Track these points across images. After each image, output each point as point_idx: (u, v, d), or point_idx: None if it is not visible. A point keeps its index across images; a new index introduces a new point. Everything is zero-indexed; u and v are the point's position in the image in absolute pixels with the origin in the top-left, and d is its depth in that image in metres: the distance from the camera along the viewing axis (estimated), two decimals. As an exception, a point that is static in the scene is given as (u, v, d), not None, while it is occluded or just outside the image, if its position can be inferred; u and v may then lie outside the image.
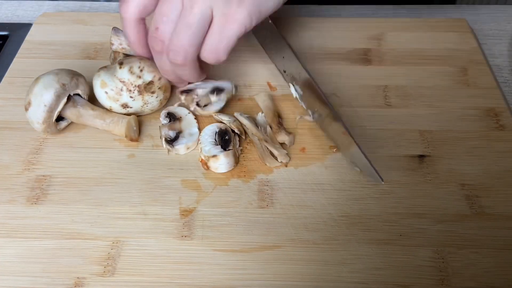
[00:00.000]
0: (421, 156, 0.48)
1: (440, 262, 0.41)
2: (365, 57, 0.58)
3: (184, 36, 0.42)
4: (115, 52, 0.53)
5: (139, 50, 0.47)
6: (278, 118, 0.50)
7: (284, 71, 0.54)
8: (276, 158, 0.47)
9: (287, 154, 0.47)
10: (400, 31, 0.61)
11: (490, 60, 0.59)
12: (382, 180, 0.43)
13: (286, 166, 0.47)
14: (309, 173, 0.47)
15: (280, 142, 0.48)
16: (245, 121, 0.49)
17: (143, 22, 0.45)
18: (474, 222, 0.43)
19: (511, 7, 0.67)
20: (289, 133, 0.49)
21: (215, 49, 0.43)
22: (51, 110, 0.46)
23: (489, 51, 0.60)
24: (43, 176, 0.46)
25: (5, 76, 0.56)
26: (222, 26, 0.42)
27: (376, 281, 0.40)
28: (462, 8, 0.67)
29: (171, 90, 0.51)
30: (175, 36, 0.42)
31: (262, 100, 0.52)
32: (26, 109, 0.47)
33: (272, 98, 0.53)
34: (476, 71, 0.56)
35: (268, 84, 0.55)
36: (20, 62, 0.57)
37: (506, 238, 0.42)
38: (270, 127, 0.49)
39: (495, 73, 0.57)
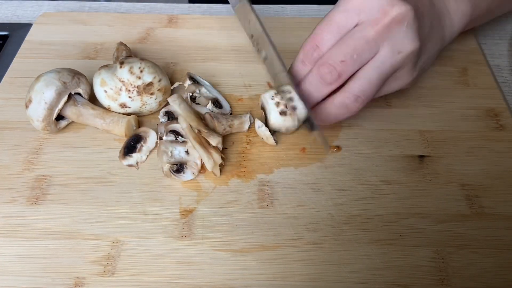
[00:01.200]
0: (421, 156, 0.48)
1: (440, 262, 0.41)
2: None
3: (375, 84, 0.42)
4: (117, 50, 0.53)
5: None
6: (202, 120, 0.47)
7: (252, 36, 0.51)
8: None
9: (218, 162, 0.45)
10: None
11: (490, 60, 0.59)
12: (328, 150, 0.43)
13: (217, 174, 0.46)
14: (309, 173, 0.47)
15: (214, 145, 0.45)
16: (183, 110, 0.46)
17: None
18: (474, 222, 0.43)
19: (511, 7, 0.67)
20: (219, 135, 0.46)
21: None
22: (51, 107, 0.46)
23: (489, 51, 0.60)
24: (43, 176, 0.46)
25: (5, 76, 0.56)
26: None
27: (376, 281, 0.40)
28: (462, 8, 0.67)
29: (170, 92, 0.51)
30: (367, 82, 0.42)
31: (177, 104, 0.47)
32: (27, 106, 0.47)
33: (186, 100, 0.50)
34: (476, 71, 0.56)
35: (268, 84, 0.55)
36: (20, 62, 0.57)
37: (506, 238, 0.42)
38: (199, 131, 0.46)
39: (495, 73, 0.57)
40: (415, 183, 0.46)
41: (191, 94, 0.51)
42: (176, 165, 0.45)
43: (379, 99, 0.53)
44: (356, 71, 0.42)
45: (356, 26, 0.41)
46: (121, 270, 0.40)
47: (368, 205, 0.44)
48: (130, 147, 0.46)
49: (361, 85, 0.42)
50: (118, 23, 0.62)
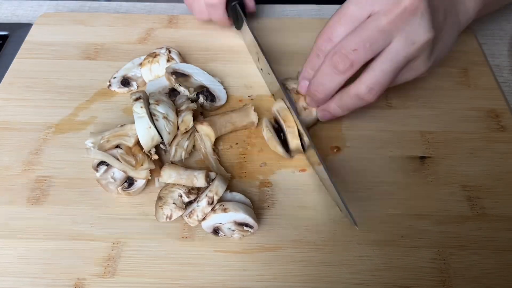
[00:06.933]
0: (422, 157, 0.48)
1: (442, 264, 0.40)
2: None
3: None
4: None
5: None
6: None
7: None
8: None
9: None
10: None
11: (490, 60, 0.59)
12: (356, 224, 0.40)
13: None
14: (309, 174, 0.47)
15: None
16: None
17: None
18: (475, 223, 0.43)
19: (511, 7, 0.67)
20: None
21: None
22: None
23: (489, 51, 0.60)
24: (43, 176, 0.46)
25: (5, 76, 0.55)
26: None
27: (377, 282, 0.39)
28: (462, 9, 0.67)
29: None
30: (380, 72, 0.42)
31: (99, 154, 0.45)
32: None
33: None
34: (476, 72, 0.56)
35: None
36: (20, 63, 0.57)
37: (507, 239, 0.42)
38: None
39: (495, 73, 0.57)
40: (416, 184, 0.46)
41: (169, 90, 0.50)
42: (126, 182, 0.44)
43: (380, 100, 0.53)
44: (370, 62, 0.42)
45: (369, 17, 0.41)
46: (122, 271, 0.40)
47: (369, 206, 0.44)
48: None
49: (374, 76, 0.42)
50: (118, 23, 0.62)
